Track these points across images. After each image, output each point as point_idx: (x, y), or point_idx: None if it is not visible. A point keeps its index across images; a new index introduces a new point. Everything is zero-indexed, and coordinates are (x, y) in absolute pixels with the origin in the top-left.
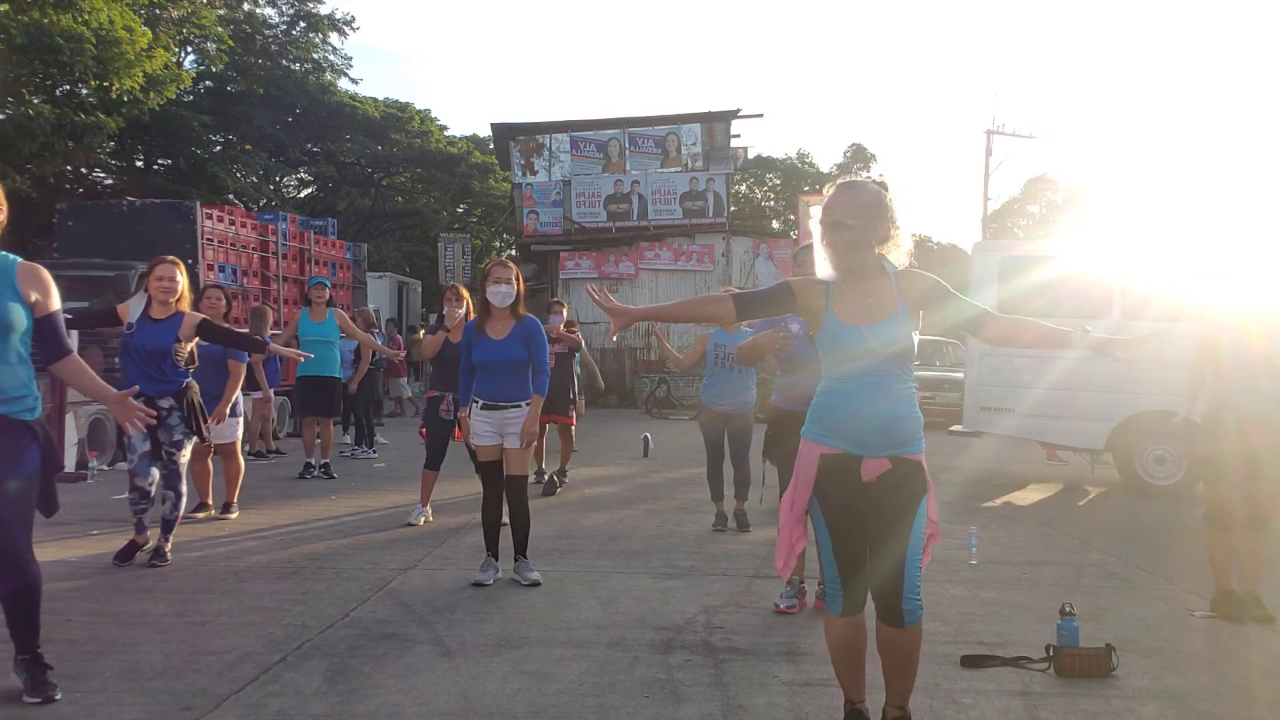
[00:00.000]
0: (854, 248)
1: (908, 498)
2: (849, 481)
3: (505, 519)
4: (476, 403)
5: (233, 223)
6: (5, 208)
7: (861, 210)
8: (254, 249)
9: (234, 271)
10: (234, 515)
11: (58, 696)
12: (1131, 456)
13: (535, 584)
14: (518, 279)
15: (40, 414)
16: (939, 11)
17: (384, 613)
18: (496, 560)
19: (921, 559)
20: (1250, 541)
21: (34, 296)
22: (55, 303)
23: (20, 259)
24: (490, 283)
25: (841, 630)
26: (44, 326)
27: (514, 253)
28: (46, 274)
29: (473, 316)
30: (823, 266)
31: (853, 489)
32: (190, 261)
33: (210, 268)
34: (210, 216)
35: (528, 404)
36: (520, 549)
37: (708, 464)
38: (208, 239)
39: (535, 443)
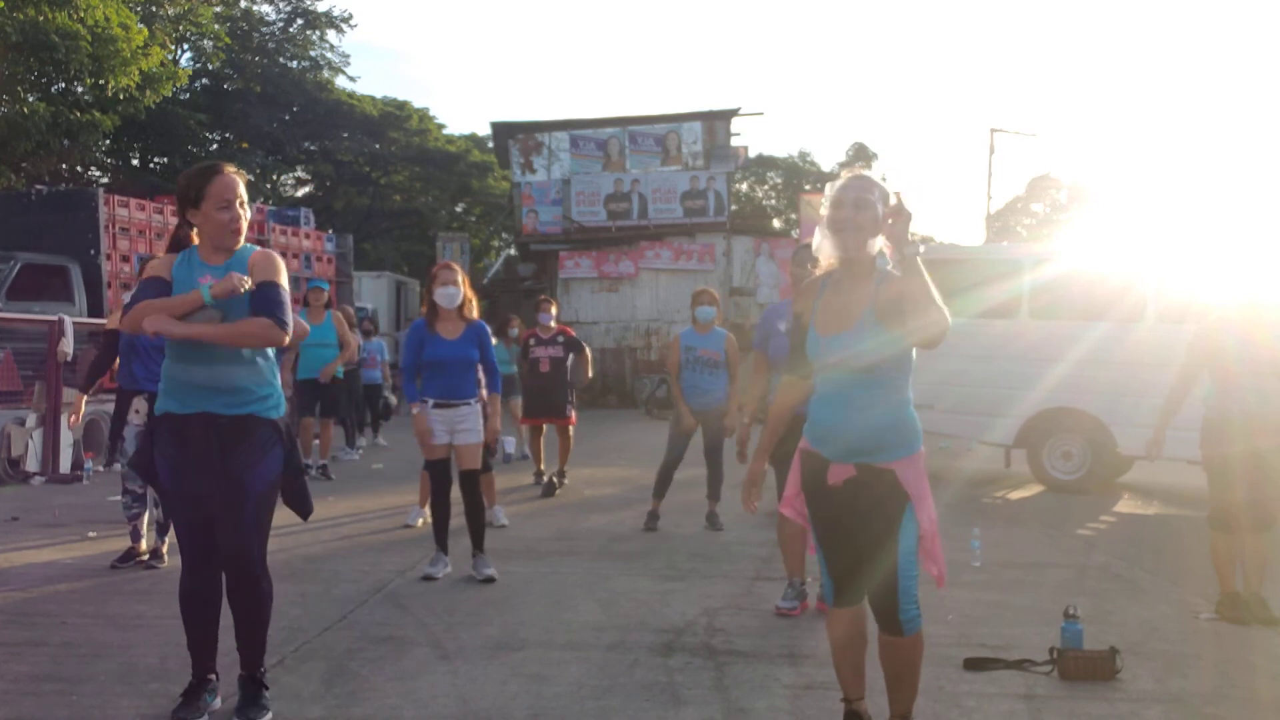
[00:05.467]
0: (859, 230)
1: (886, 508)
2: (821, 482)
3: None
4: (427, 402)
5: (159, 211)
6: None
7: (867, 190)
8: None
9: None
10: None
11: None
12: (1040, 451)
13: (490, 580)
14: (464, 281)
15: (284, 412)
16: (940, 9)
17: (382, 615)
18: (446, 554)
19: (917, 568)
20: (1256, 543)
21: (256, 277)
22: (270, 278)
23: (257, 247)
24: (438, 285)
25: (842, 626)
26: (254, 294)
27: (513, 252)
28: (274, 257)
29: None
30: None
31: (826, 489)
32: (92, 253)
33: (126, 259)
34: (126, 204)
35: (477, 400)
36: (477, 544)
37: (663, 462)
38: (121, 228)
39: (496, 438)
